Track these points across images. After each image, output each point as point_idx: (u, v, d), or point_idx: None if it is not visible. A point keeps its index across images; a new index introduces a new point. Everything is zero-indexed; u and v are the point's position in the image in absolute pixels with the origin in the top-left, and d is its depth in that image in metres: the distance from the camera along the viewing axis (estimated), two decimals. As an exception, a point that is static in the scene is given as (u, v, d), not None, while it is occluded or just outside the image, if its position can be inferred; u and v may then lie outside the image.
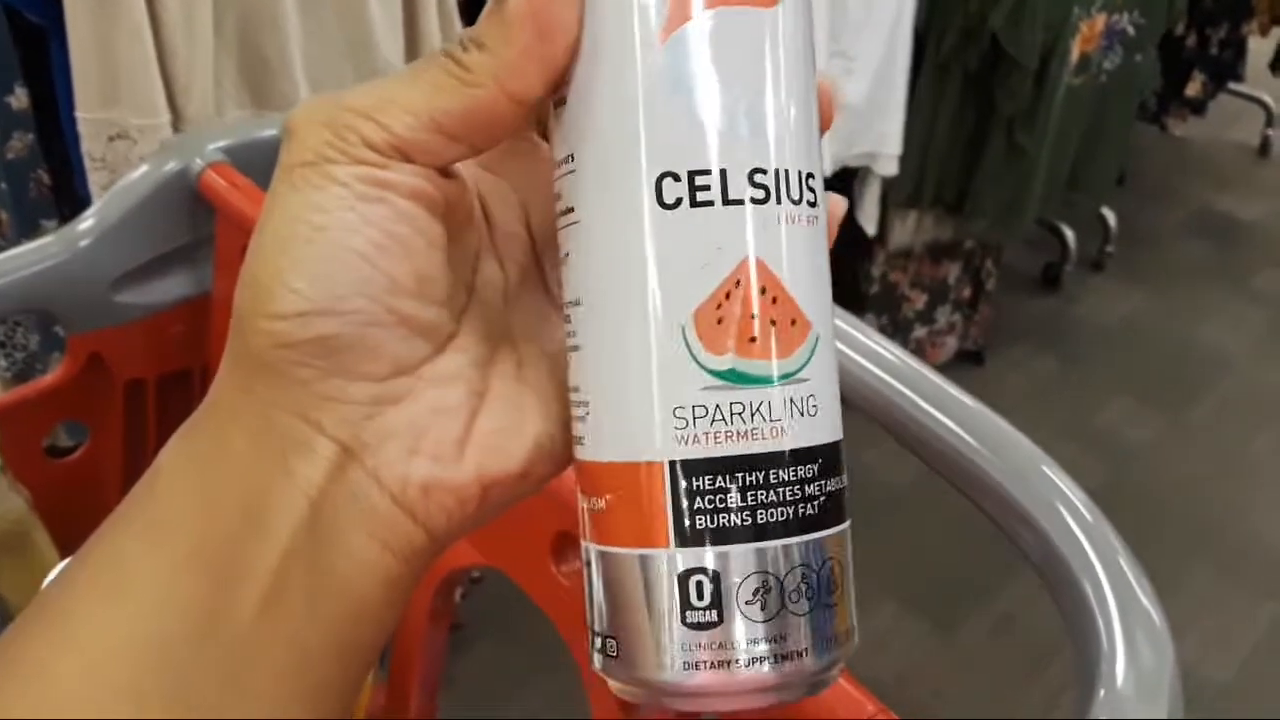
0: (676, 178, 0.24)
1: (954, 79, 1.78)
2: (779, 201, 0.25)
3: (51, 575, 0.59)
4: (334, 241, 0.24)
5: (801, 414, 0.25)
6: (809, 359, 0.25)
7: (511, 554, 0.50)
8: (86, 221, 0.73)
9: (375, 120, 0.24)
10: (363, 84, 0.25)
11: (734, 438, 0.25)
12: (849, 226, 1.86)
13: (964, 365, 2.20)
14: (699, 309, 0.25)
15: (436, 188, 0.25)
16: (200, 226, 0.77)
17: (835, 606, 0.26)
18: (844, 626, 0.26)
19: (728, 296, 0.25)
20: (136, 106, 1.04)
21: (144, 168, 0.76)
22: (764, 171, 0.25)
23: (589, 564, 0.26)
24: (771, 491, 0.25)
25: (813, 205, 0.26)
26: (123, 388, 0.78)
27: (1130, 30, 1.93)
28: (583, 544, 0.27)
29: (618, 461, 0.25)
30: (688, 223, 0.25)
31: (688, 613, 0.25)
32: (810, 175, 0.26)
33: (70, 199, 1.20)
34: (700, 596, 0.25)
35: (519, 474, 0.27)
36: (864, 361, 0.55)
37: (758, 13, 0.25)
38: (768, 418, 0.25)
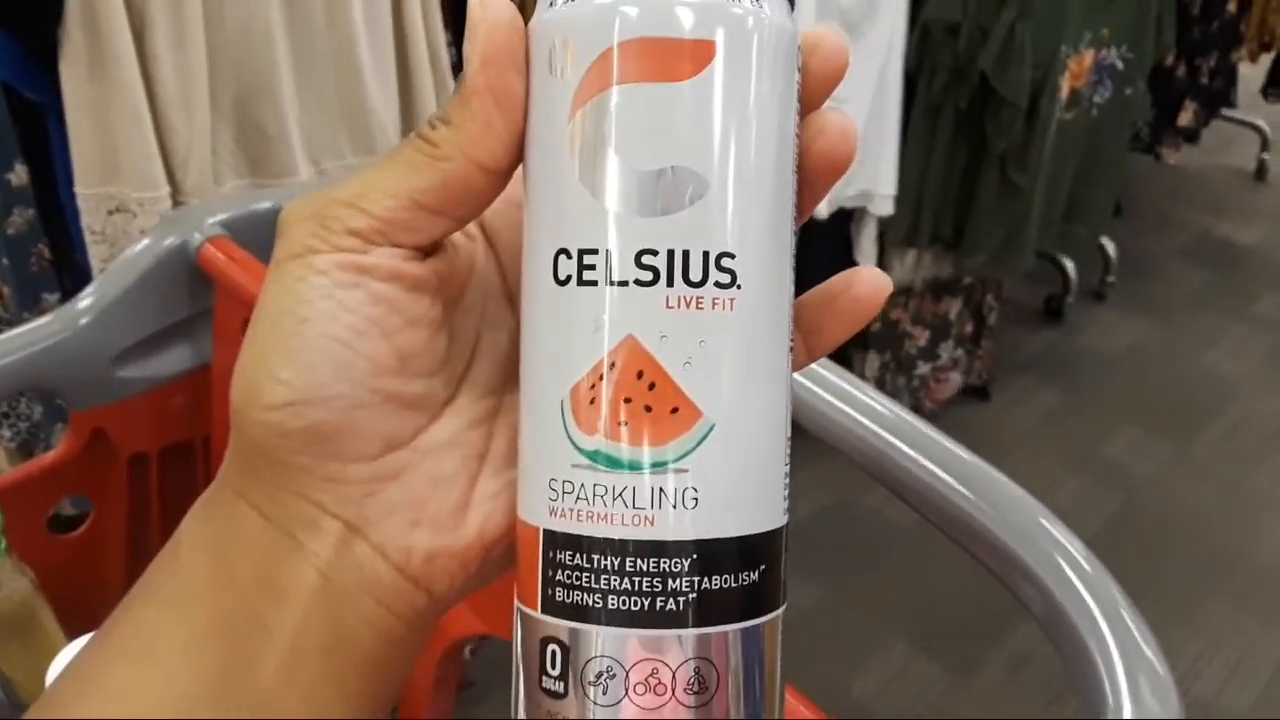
0: (569, 255, 0.25)
1: (946, 118, 1.79)
2: (671, 284, 0.24)
3: (59, 658, 0.59)
4: (315, 331, 0.25)
5: (674, 505, 0.24)
6: (692, 449, 0.24)
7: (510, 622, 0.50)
8: (86, 299, 0.74)
9: (358, 207, 0.25)
10: (347, 177, 0.27)
11: (594, 519, 0.24)
12: (846, 266, 1.86)
13: (969, 401, 2.20)
14: (575, 387, 0.25)
15: (420, 266, 0.26)
16: (199, 299, 0.78)
17: (695, 709, 0.24)
18: None
19: (601, 378, 0.24)
20: (135, 180, 1.05)
21: (143, 243, 0.77)
22: (653, 253, 0.24)
23: None
24: (626, 579, 0.24)
25: (726, 286, 0.24)
26: (126, 462, 0.78)
27: (1119, 64, 1.95)
28: None
29: (520, 519, 0.26)
30: (574, 300, 0.25)
31: (543, 678, 0.25)
32: (726, 255, 0.24)
33: (71, 272, 1.21)
34: (553, 665, 0.25)
35: None
36: (858, 415, 0.55)
37: (664, 88, 0.24)
38: (630, 504, 0.24)
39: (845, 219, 1.83)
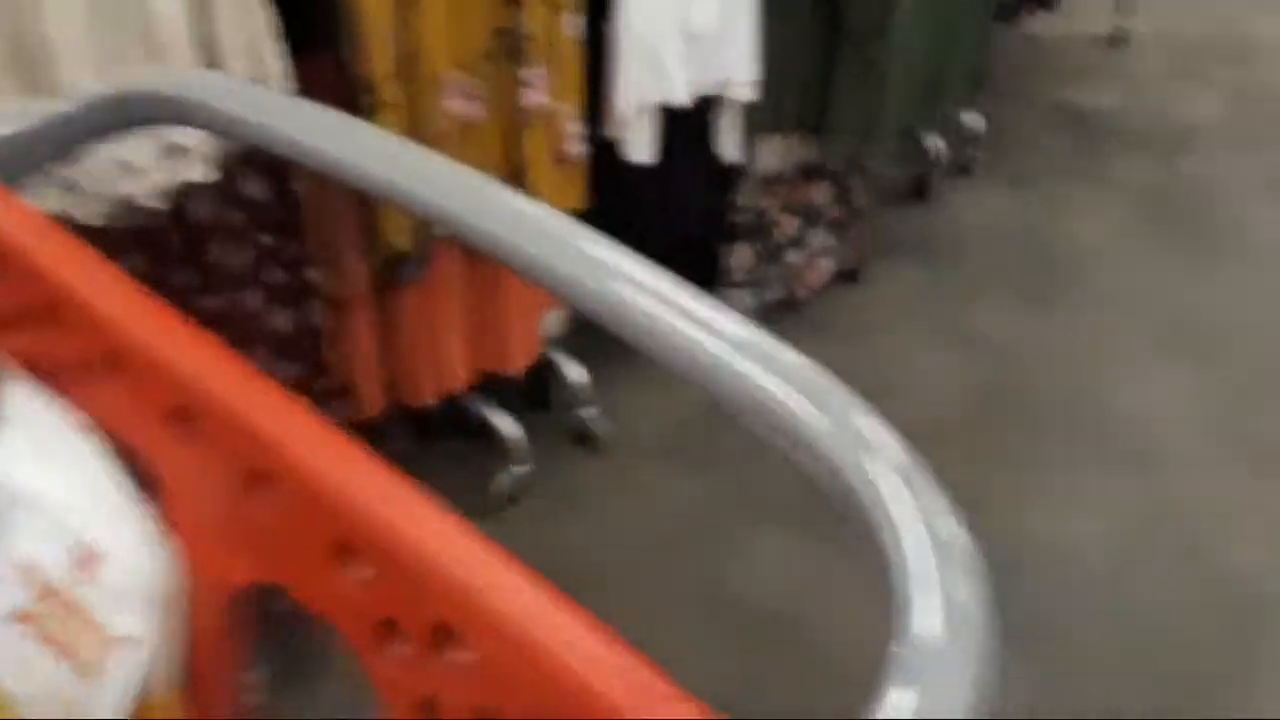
0: None
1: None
2: None
3: None
4: None
5: None
6: None
7: (291, 568, 0.46)
8: None
9: None
10: None
11: None
12: (709, 159, 1.81)
13: (842, 285, 2.20)
14: None
15: None
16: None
17: None
18: None
19: None
20: None
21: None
22: None
23: None
24: None
25: None
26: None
27: (971, -70, 1.92)
28: None
29: None
30: None
31: None
32: None
33: None
34: None
35: None
36: (671, 316, 0.52)
37: None
38: None
39: (708, 107, 1.78)
